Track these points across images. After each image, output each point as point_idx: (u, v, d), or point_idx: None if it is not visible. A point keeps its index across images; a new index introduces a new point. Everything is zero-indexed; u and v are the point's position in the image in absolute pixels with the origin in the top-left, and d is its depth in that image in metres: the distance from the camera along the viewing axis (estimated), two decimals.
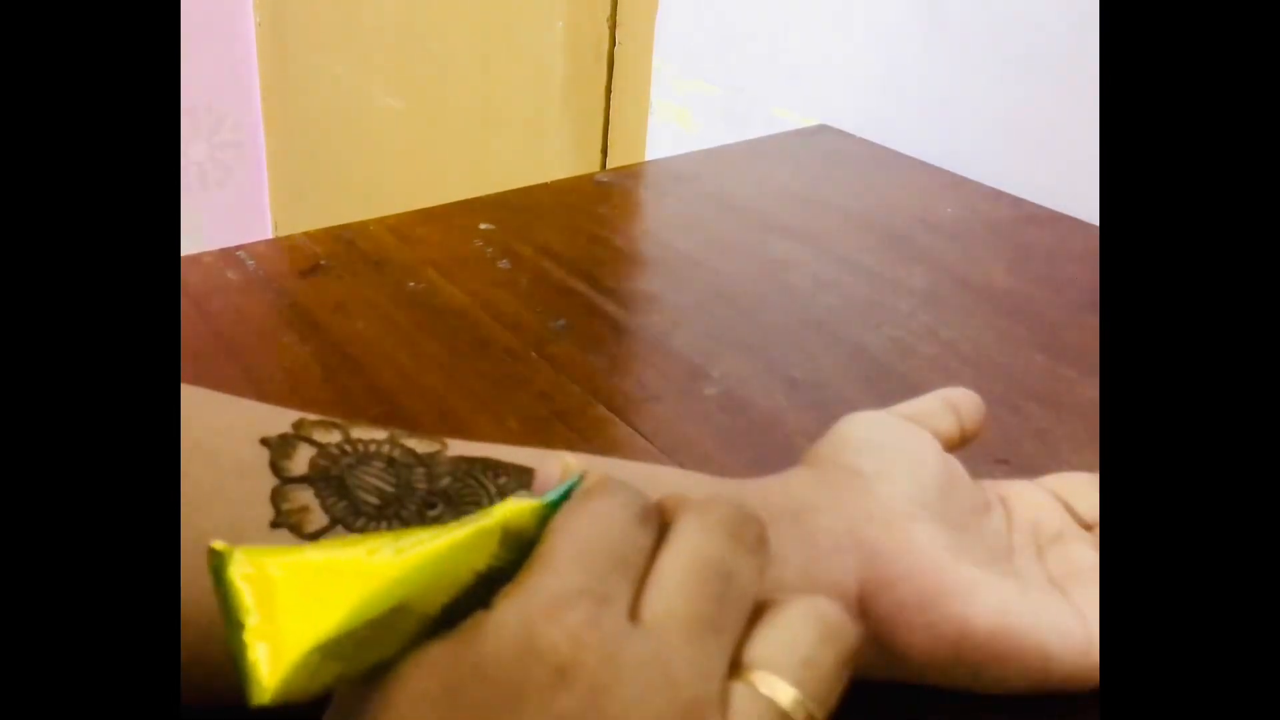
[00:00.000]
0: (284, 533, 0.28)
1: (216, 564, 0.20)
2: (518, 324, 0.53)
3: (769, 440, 0.45)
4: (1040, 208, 0.71)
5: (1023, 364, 0.52)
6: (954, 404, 0.35)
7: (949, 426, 0.35)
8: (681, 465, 0.42)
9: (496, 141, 1.26)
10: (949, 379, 0.50)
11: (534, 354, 0.50)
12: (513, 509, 0.23)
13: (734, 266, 0.61)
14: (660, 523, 0.24)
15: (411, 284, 0.56)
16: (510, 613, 0.21)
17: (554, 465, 0.25)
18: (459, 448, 0.30)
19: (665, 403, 0.48)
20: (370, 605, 0.20)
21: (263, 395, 0.33)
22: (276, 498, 0.28)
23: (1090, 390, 0.50)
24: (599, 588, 0.22)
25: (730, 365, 0.51)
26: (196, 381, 0.31)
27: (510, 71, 1.20)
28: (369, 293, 0.55)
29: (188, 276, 0.54)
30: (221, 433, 0.29)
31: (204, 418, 0.30)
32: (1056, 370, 0.52)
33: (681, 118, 1.02)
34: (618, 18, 1.07)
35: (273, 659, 0.19)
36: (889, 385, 0.50)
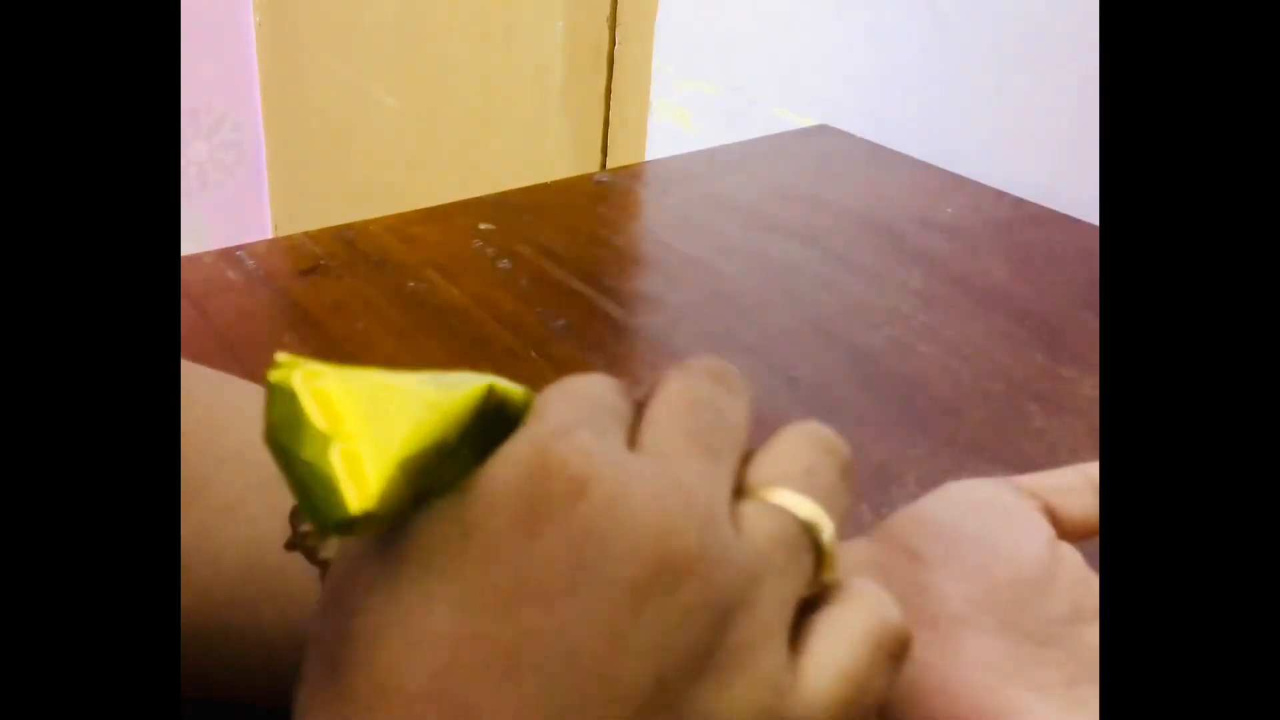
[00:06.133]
0: (296, 554, 0.28)
1: (280, 380, 0.19)
2: (518, 324, 0.53)
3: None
4: (1040, 208, 0.71)
5: (1023, 364, 0.52)
6: (1097, 482, 0.30)
7: (1080, 509, 0.30)
8: None
9: (496, 141, 1.26)
10: (949, 379, 0.50)
11: (534, 354, 0.50)
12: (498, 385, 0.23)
13: (734, 266, 0.61)
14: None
15: (411, 284, 0.56)
16: (516, 444, 0.21)
17: None
18: None
19: None
20: (432, 430, 0.20)
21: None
22: (295, 517, 0.28)
23: (1090, 390, 0.50)
24: (596, 422, 0.21)
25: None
26: None
27: (510, 71, 1.20)
28: (369, 293, 0.55)
29: (188, 276, 0.54)
30: (257, 442, 0.29)
31: (245, 419, 0.29)
32: (1056, 370, 0.52)
33: (681, 118, 1.02)
34: (618, 18, 1.07)
35: (369, 468, 0.19)
36: (889, 385, 0.50)
